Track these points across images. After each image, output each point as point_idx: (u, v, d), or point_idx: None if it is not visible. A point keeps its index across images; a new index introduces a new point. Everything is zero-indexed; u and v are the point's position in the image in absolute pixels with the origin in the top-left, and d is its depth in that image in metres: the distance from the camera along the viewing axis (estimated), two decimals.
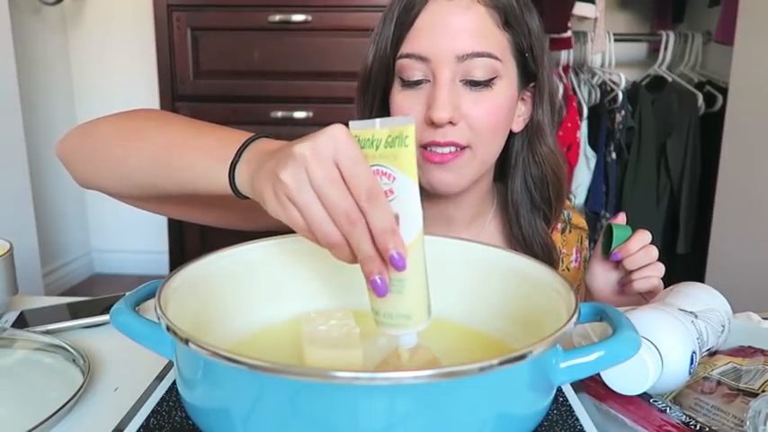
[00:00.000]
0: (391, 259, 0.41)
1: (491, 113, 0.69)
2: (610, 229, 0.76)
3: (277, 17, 2.00)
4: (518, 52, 0.72)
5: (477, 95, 0.69)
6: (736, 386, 0.52)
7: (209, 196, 0.56)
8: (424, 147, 0.70)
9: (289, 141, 0.47)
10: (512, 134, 0.77)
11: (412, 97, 0.70)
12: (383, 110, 0.76)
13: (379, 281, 0.42)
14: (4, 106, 1.94)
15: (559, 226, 0.86)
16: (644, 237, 0.74)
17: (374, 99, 0.75)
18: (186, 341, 0.38)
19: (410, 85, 0.70)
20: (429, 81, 0.69)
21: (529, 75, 0.75)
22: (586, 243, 0.91)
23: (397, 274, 0.43)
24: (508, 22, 0.70)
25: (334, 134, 0.42)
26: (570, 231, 0.88)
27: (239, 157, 0.51)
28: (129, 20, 2.58)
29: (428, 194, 0.77)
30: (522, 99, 0.76)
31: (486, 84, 0.69)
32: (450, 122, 0.68)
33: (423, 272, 0.44)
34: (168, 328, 0.40)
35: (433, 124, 0.68)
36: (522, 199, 0.79)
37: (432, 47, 0.68)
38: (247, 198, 0.51)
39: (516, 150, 0.78)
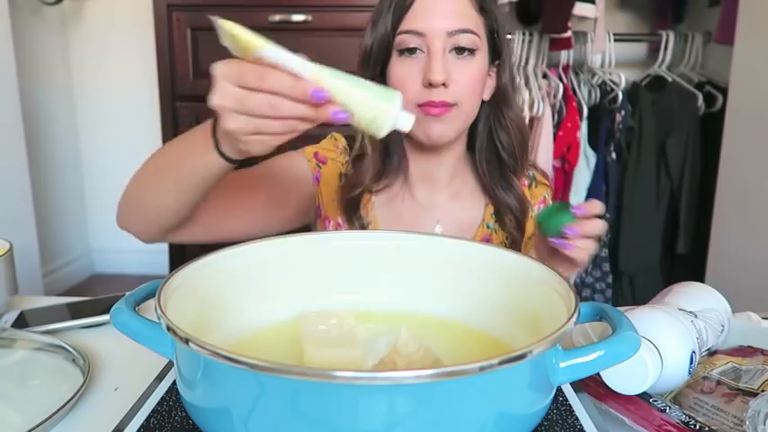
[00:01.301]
0: (314, 98, 0.50)
1: (473, 78, 0.84)
2: (559, 207, 0.74)
3: (277, 17, 2.00)
4: (489, 33, 0.87)
5: (463, 63, 0.83)
6: (736, 386, 0.52)
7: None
8: (421, 106, 0.82)
9: None
10: (482, 103, 0.90)
11: (408, 66, 0.83)
12: (381, 79, 0.87)
13: (332, 112, 0.51)
14: (5, 106, 1.94)
15: (526, 182, 0.99)
16: (598, 207, 0.73)
17: (374, 71, 0.87)
18: (186, 341, 0.38)
19: (407, 52, 0.83)
20: (423, 52, 0.82)
21: (495, 53, 0.89)
22: (550, 200, 1.02)
23: (336, 97, 0.50)
24: (483, 7, 0.85)
25: (217, 79, 0.52)
26: (536, 186, 1.00)
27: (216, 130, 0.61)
28: (129, 20, 2.58)
29: (414, 153, 0.92)
30: (489, 75, 0.90)
31: (471, 52, 0.83)
32: (444, 84, 0.81)
33: (347, 78, 0.51)
34: (168, 328, 0.40)
35: (429, 86, 0.81)
36: (491, 156, 0.93)
37: (427, 25, 0.81)
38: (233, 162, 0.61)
39: (486, 114, 0.92)
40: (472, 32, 0.82)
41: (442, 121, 0.83)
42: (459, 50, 0.82)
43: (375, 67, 0.86)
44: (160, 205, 0.72)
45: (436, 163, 0.92)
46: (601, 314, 0.48)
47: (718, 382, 0.52)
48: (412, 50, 0.82)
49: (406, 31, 0.82)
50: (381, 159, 0.90)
